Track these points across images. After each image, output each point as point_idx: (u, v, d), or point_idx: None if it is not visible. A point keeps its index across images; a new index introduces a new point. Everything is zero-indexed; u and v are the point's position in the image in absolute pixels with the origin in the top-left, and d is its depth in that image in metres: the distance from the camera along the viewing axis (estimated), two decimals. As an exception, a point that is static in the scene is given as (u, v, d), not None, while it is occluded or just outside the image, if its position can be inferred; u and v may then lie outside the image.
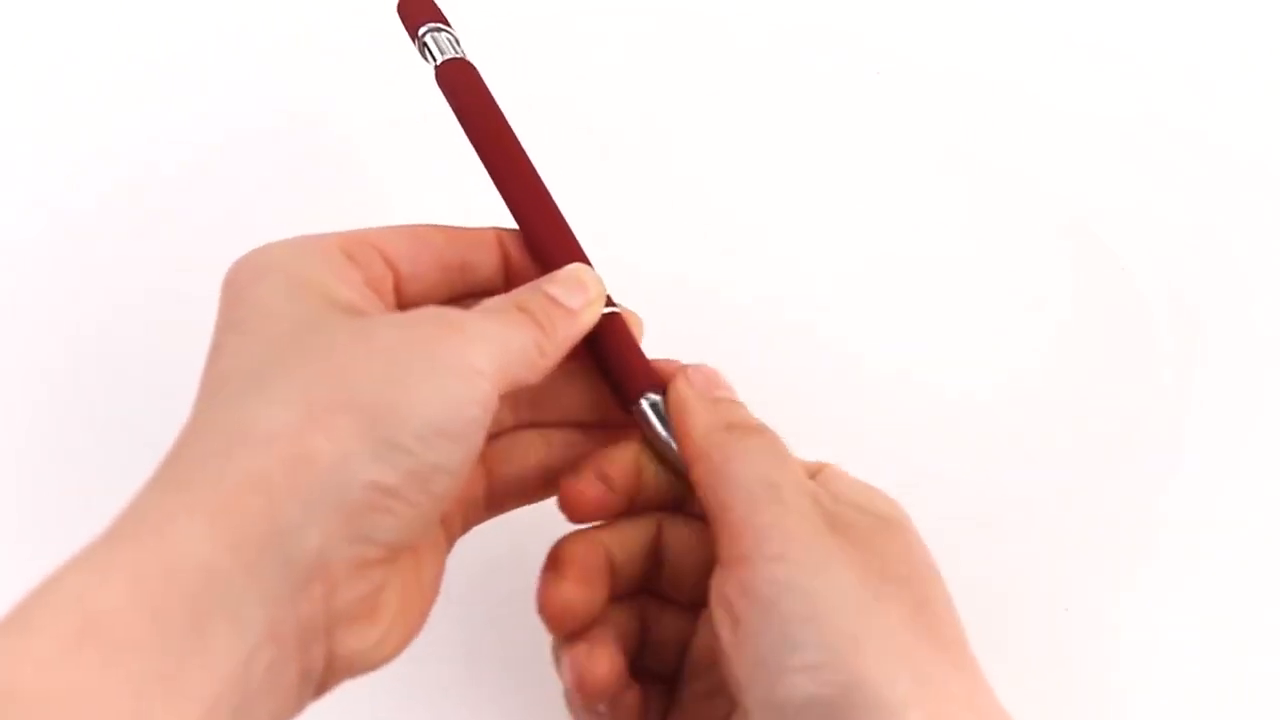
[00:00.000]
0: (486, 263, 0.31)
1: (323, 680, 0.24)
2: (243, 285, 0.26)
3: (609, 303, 0.31)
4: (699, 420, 0.28)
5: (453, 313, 0.26)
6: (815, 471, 0.29)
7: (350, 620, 0.24)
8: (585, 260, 0.31)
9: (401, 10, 0.36)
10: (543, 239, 0.31)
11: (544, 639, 0.31)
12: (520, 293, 0.28)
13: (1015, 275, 0.45)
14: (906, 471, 0.40)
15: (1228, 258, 0.46)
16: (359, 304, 0.26)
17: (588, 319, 0.29)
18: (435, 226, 0.30)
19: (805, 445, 0.41)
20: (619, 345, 0.31)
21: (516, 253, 0.31)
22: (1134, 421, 0.42)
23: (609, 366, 0.31)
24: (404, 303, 0.29)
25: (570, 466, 0.30)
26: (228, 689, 0.21)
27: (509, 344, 0.26)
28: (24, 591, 0.21)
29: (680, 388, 0.29)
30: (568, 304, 0.28)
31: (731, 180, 0.47)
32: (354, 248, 0.28)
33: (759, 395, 0.42)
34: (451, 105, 0.33)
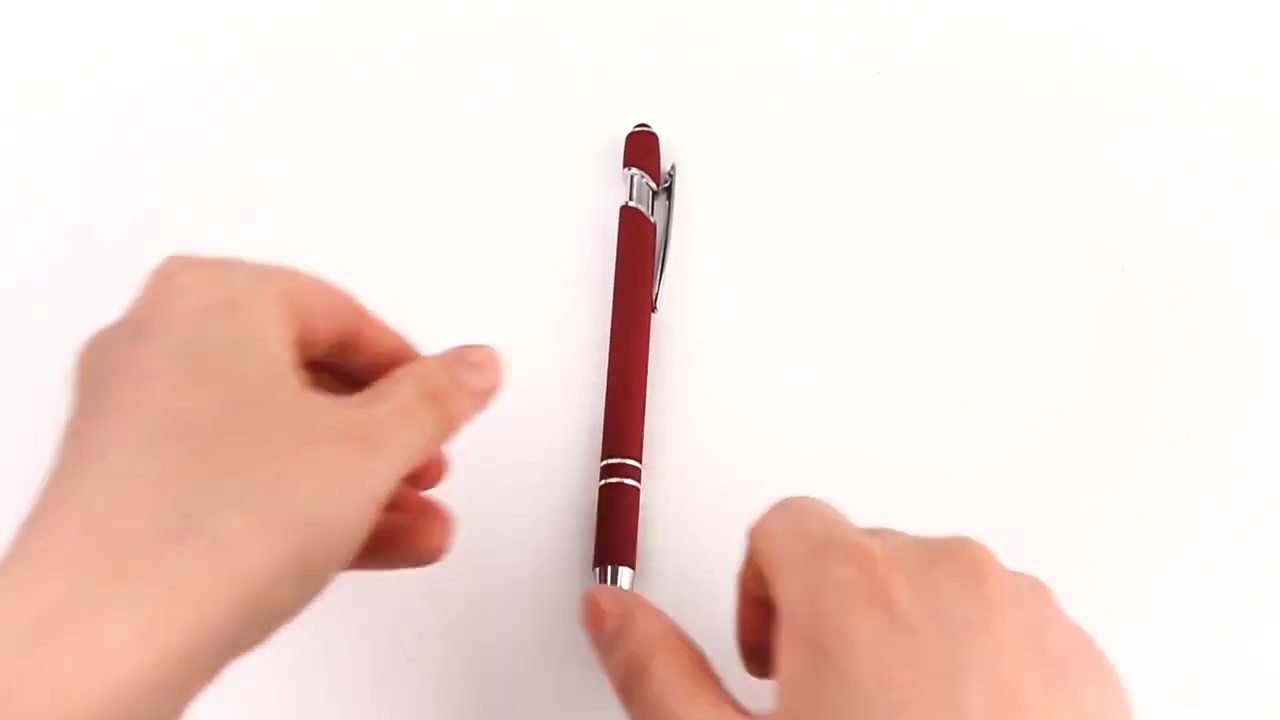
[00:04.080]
0: (371, 346, 0.30)
1: None
2: (207, 315, 0.25)
3: (636, 476, 0.37)
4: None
5: (373, 421, 0.26)
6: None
7: None
8: (637, 433, 0.38)
9: (630, 141, 0.42)
10: (620, 412, 0.39)
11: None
12: (437, 376, 0.28)
13: (1015, 275, 0.45)
14: (904, 472, 0.41)
15: (1228, 258, 0.45)
16: (285, 371, 0.26)
17: (481, 406, 0.29)
18: (348, 299, 0.29)
19: (796, 448, 0.41)
20: (624, 518, 0.37)
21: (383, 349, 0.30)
22: (1134, 421, 0.42)
23: (604, 524, 0.37)
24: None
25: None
26: None
27: (414, 453, 0.26)
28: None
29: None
30: (481, 389, 0.28)
31: (729, 179, 0.47)
32: (295, 301, 0.27)
33: (754, 393, 0.42)
34: (618, 241, 0.42)
